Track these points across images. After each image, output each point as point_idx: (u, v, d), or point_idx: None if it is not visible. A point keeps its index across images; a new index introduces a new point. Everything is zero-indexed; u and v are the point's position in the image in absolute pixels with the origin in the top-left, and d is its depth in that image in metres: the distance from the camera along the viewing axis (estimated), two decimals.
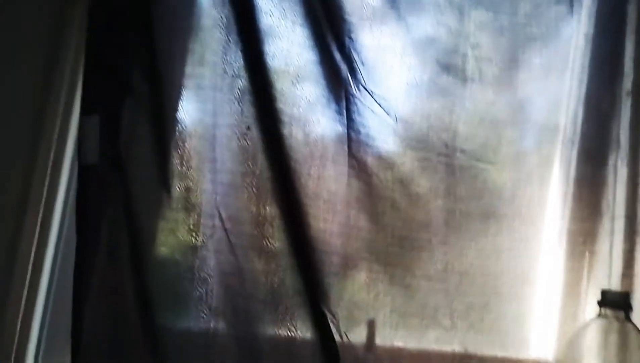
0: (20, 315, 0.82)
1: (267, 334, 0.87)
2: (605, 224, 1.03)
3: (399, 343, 0.93)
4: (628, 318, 0.79)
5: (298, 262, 0.85)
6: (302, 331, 0.87)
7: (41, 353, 0.85)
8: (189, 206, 0.85)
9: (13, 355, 0.82)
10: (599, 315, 0.80)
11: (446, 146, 0.99)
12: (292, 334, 0.87)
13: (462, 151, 1.00)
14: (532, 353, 0.97)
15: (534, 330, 0.98)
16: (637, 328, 0.79)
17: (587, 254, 1.01)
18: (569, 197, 1.03)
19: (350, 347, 0.91)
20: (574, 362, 0.78)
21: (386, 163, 0.96)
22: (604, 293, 0.81)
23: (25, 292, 0.82)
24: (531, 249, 1.01)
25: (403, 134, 0.98)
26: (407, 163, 0.97)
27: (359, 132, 0.94)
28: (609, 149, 1.05)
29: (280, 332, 0.86)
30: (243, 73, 0.85)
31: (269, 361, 0.87)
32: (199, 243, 0.85)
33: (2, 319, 0.81)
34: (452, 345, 0.95)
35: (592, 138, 1.04)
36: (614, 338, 0.77)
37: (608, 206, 1.03)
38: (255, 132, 0.85)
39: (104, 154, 0.78)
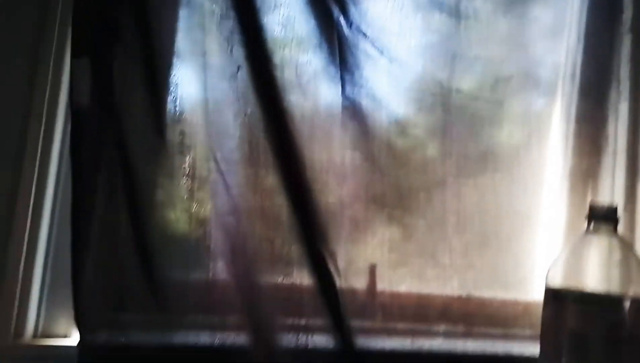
0: (22, 262, 0.83)
1: (266, 279, 0.88)
2: (606, 160, 1.02)
3: (398, 282, 0.94)
4: (616, 231, 0.78)
5: (293, 201, 0.85)
6: (301, 271, 0.87)
7: (45, 299, 0.86)
8: (184, 151, 0.85)
9: (17, 300, 0.83)
10: (588, 230, 0.79)
11: (442, 85, 0.98)
12: (291, 275, 0.87)
13: (458, 90, 0.99)
14: (533, 293, 0.97)
15: (535, 268, 0.98)
16: (626, 241, 0.79)
17: (589, 190, 1.00)
18: (570, 134, 1.02)
19: (351, 291, 0.91)
20: (565, 278, 0.78)
21: (381, 104, 0.95)
22: (592, 207, 0.80)
23: (26, 238, 0.82)
24: (531, 187, 1.00)
25: (397, 75, 0.96)
26: (403, 103, 0.97)
27: (352, 73, 0.93)
28: (609, 85, 1.04)
29: (278, 271, 0.86)
30: (232, 13, 0.84)
31: (269, 307, 0.88)
32: (195, 187, 0.85)
33: (4, 267, 0.82)
34: (452, 283, 0.95)
35: (592, 74, 1.03)
36: (603, 251, 0.77)
37: (609, 142, 1.02)
38: (245, 73, 0.84)
39: (96, 98, 0.78)
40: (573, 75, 1.04)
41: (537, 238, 1.00)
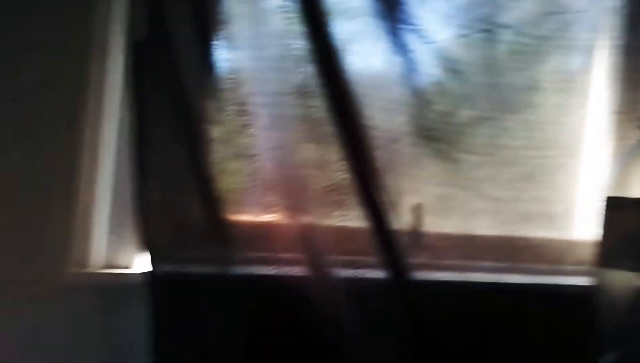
0: (87, 196, 0.86)
1: (317, 210, 0.89)
2: None
3: (445, 216, 0.95)
4: None
5: (340, 132, 0.86)
6: (351, 203, 0.88)
7: (108, 231, 0.89)
8: (235, 87, 0.86)
9: (81, 232, 0.86)
10: None
11: (487, 21, 0.98)
12: (343, 207, 0.88)
13: (504, 25, 0.98)
14: (577, 225, 0.98)
15: (580, 201, 0.98)
16: None
17: (635, 122, 0.99)
18: (616, 67, 1.01)
19: (399, 228, 0.93)
20: (621, 186, 0.78)
21: (426, 39, 0.95)
22: None
23: (90, 173, 0.86)
24: (576, 120, 1.00)
25: (442, 11, 0.96)
26: (448, 39, 0.96)
27: (395, 9, 0.93)
28: None
29: (329, 202, 0.88)
30: None
31: (322, 239, 0.89)
32: (247, 122, 0.86)
33: (70, 201, 0.85)
34: (499, 217, 0.96)
35: (637, 6, 1.01)
36: None
37: None
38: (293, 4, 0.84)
39: (152, 31, 0.79)
40: (618, 8, 1.02)
41: (583, 171, 1.00)
